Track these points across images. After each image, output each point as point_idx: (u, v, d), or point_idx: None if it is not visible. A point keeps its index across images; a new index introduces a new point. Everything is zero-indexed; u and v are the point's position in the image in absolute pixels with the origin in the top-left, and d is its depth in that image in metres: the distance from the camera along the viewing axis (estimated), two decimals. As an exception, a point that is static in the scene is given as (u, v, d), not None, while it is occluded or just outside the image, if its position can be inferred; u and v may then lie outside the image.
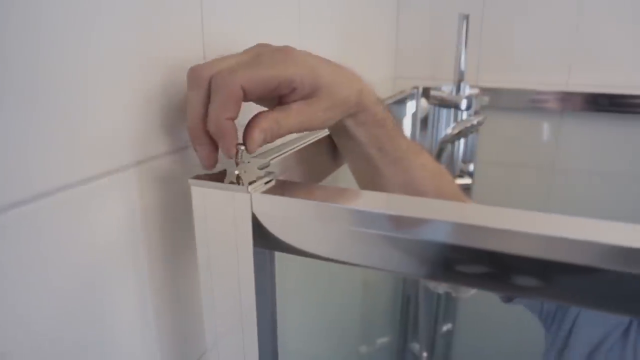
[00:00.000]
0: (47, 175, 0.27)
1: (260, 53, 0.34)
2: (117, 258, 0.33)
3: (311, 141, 0.47)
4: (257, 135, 0.32)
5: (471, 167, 1.10)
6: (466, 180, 1.07)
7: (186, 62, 0.37)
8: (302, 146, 0.45)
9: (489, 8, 1.00)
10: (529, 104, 1.02)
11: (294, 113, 0.35)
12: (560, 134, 1.04)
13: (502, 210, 0.26)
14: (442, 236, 0.26)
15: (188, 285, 0.41)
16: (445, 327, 1.26)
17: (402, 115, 1.01)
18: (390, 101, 0.90)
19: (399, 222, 0.27)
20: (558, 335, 0.73)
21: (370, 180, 0.48)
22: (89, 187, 0.30)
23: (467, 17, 0.92)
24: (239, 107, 0.32)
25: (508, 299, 0.83)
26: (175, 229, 0.38)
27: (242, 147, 0.32)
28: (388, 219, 0.27)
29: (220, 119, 0.31)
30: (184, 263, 0.40)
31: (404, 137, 0.47)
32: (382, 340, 1.23)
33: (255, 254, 0.31)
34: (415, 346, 1.25)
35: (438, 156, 0.98)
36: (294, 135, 0.50)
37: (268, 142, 0.34)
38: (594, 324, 0.68)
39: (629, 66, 0.94)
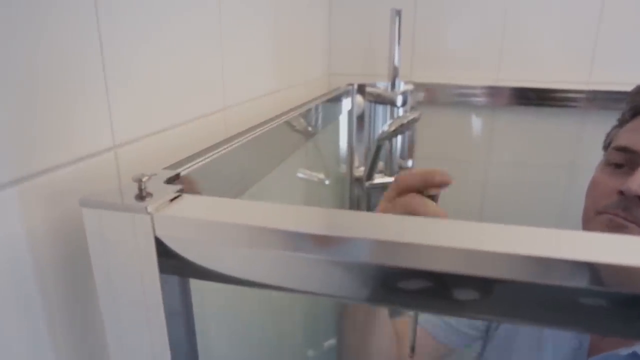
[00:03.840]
0: None
1: None
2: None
3: (230, 148, 0.42)
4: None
5: (409, 163, 1.10)
6: (405, 177, 1.06)
7: (77, 48, 0.32)
8: (219, 154, 0.41)
9: (421, 4, 1.00)
10: (462, 99, 1.03)
11: None
12: (493, 128, 1.06)
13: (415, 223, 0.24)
14: (359, 255, 0.23)
15: (96, 318, 0.35)
16: (391, 324, 1.26)
17: (338, 112, 0.99)
18: (325, 98, 0.87)
19: (319, 241, 0.24)
20: (489, 327, 0.76)
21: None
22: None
23: (399, 13, 0.91)
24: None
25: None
26: (75, 254, 0.33)
27: (146, 177, 0.28)
28: (305, 239, 0.24)
29: None
30: (90, 292, 0.35)
31: None
32: (330, 342, 1.21)
33: (163, 281, 0.27)
34: (362, 345, 1.24)
35: (376, 154, 0.96)
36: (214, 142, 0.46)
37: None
38: None
39: (553, 62, 0.97)
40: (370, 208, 1.08)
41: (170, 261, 0.27)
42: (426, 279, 0.23)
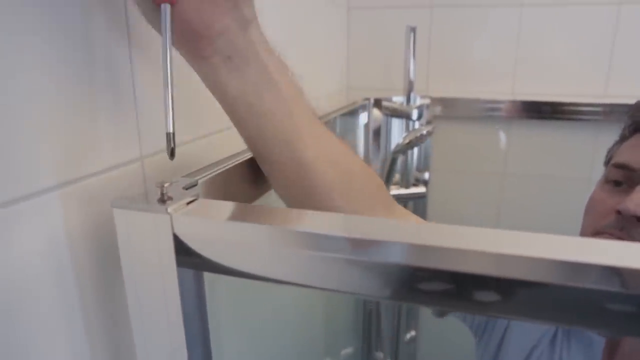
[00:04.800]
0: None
1: None
2: (39, 287, 0.32)
3: (244, 158, 0.46)
4: None
5: (426, 176, 1.12)
6: (421, 189, 1.09)
7: (113, 81, 0.37)
8: (235, 163, 0.45)
9: (436, 20, 1.03)
10: (478, 112, 1.05)
11: None
12: (508, 141, 1.08)
13: (427, 228, 0.27)
14: (362, 254, 0.26)
15: (125, 311, 0.40)
16: (409, 335, 1.27)
17: (355, 126, 1.02)
18: (343, 112, 0.91)
19: (313, 240, 0.27)
20: (489, 346, 0.74)
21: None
22: (2, 213, 0.29)
23: (414, 30, 0.94)
24: None
25: (440, 314, 0.83)
26: (107, 252, 0.37)
27: (167, 184, 0.32)
28: (304, 237, 0.27)
29: None
30: (120, 288, 0.39)
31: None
32: (346, 351, 1.23)
33: (180, 275, 0.31)
34: (380, 355, 1.26)
35: (391, 166, 0.99)
36: (235, 150, 0.50)
37: None
38: (524, 334, 0.69)
39: (569, 75, 0.99)
40: (387, 219, 1.10)
41: (186, 256, 0.30)
42: (457, 281, 0.25)
